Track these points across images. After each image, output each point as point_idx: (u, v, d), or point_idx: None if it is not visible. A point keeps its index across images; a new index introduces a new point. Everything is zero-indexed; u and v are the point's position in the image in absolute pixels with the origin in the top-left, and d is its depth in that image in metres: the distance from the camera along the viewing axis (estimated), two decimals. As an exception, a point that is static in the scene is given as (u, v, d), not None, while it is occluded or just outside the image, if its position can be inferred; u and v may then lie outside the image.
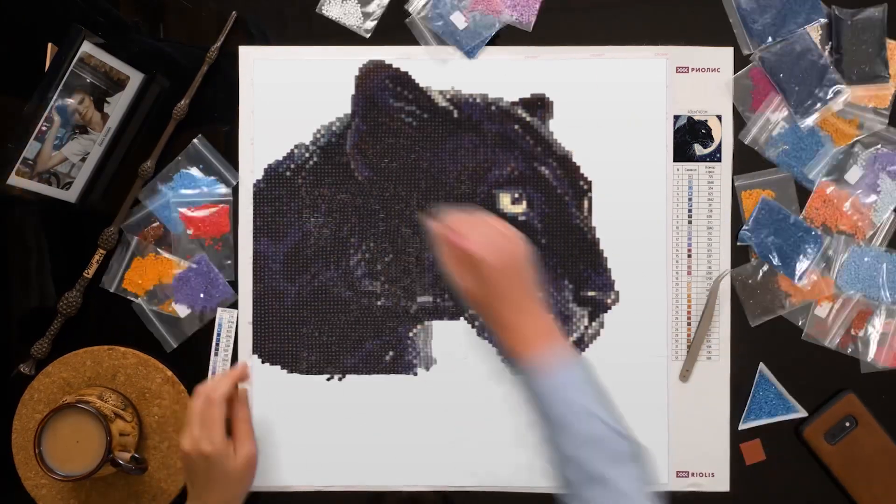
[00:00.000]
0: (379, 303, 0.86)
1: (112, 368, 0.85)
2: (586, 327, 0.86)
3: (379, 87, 0.86)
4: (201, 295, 0.86)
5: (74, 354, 0.85)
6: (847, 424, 0.84)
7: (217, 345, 0.86)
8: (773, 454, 0.86)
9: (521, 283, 0.68)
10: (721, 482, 0.86)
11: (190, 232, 0.86)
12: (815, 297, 0.86)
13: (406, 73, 0.86)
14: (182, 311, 0.86)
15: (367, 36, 0.86)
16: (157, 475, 0.85)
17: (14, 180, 0.80)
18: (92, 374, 0.85)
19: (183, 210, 0.86)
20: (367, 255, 0.86)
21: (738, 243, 0.86)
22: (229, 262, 0.86)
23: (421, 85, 0.86)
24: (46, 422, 0.77)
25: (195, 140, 0.86)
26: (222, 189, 0.86)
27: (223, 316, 0.86)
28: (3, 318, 0.87)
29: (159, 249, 0.86)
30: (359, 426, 0.86)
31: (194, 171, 0.86)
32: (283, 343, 0.86)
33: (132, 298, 0.86)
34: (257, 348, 0.86)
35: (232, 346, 0.86)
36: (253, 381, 0.85)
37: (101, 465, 0.77)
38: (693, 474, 0.87)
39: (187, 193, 0.86)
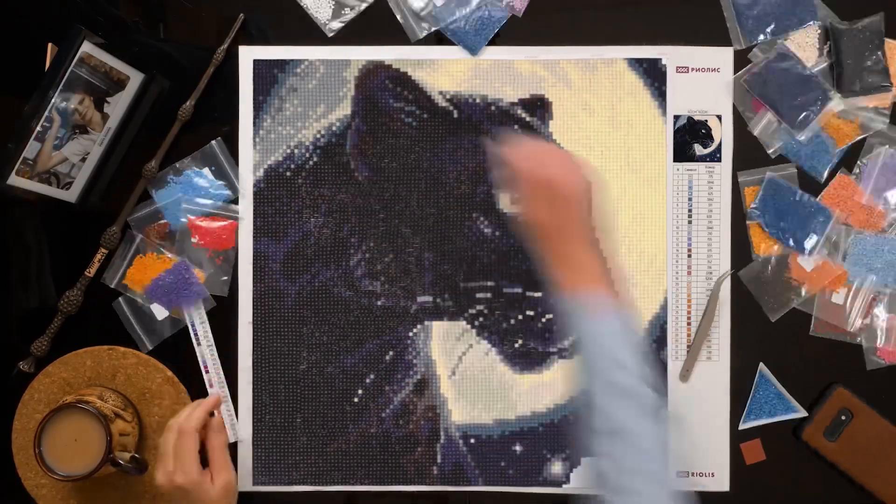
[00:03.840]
0: (379, 303, 0.86)
1: (112, 368, 0.85)
2: (586, 327, 0.86)
3: (379, 87, 0.86)
4: (176, 297, 0.85)
5: (75, 354, 0.85)
6: (843, 418, 0.85)
7: (196, 334, 0.86)
8: (774, 454, 0.86)
9: (586, 216, 0.69)
10: (721, 482, 0.86)
11: (195, 240, 0.86)
12: (826, 282, 0.85)
13: (406, 73, 0.86)
14: (160, 312, 0.86)
15: (331, 35, 0.86)
16: (158, 475, 0.85)
17: (14, 180, 0.80)
18: (92, 374, 0.85)
19: (192, 217, 0.86)
20: (367, 255, 0.86)
21: (748, 221, 0.86)
22: (226, 278, 0.86)
23: (421, 85, 0.86)
24: (46, 422, 0.77)
25: (213, 142, 0.86)
26: (234, 205, 0.86)
27: (192, 311, 0.86)
28: (3, 319, 0.87)
29: (162, 249, 0.86)
30: (358, 426, 0.86)
31: (206, 172, 0.86)
32: (283, 343, 0.86)
33: (131, 296, 0.86)
34: (257, 348, 0.86)
35: (210, 334, 0.86)
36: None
37: (101, 465, 0.77)
38: (693, 474, 0.86)
39: (201, 202, 0.86)
